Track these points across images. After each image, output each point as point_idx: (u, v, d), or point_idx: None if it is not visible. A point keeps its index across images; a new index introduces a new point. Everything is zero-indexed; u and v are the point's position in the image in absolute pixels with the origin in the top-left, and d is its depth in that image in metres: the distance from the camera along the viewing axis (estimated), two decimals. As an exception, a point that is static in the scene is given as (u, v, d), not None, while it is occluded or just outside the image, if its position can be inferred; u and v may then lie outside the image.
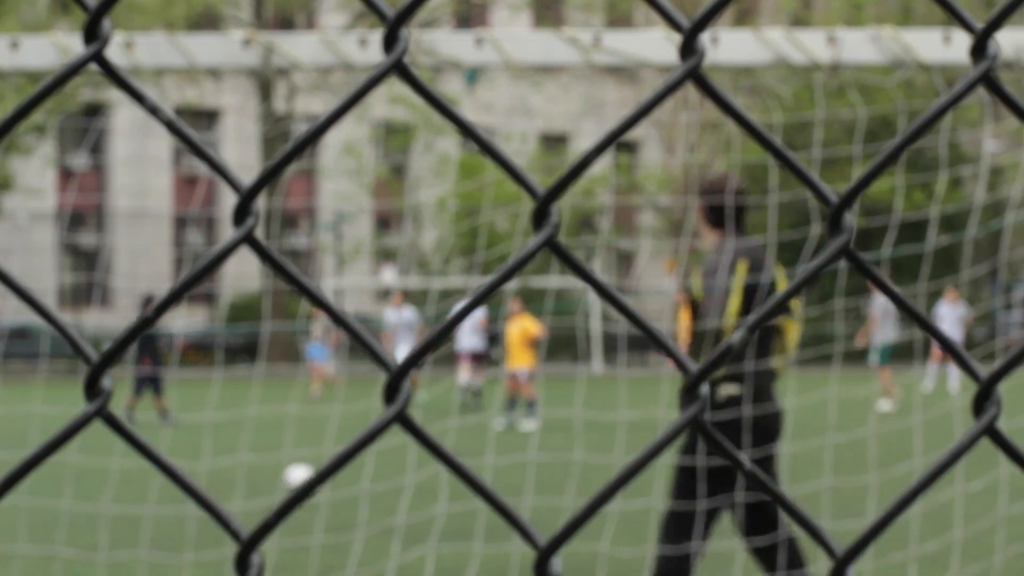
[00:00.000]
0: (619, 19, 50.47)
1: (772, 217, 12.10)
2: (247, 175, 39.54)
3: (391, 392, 1.20)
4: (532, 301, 31.94)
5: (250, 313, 50.41)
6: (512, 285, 26.72)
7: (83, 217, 55.24)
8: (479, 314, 26.13)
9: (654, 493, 10.68)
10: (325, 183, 54.79)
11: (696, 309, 7.03)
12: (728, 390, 6.87)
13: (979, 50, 1.25)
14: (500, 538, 10.19)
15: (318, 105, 49.01)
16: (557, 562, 1.22)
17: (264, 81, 47.38)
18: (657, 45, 7.79)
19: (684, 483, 6.96)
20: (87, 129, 52.96)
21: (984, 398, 1.27)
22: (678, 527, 6.94)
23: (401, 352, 26.26)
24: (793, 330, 7.21)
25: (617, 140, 1.23)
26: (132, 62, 7.66)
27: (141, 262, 53.42)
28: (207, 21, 44.91)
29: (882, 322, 26.27)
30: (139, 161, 54.68)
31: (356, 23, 46.46)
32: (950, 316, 28.63)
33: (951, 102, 1.24)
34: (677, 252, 44.55)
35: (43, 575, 9.54)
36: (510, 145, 52.32)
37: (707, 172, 40.61)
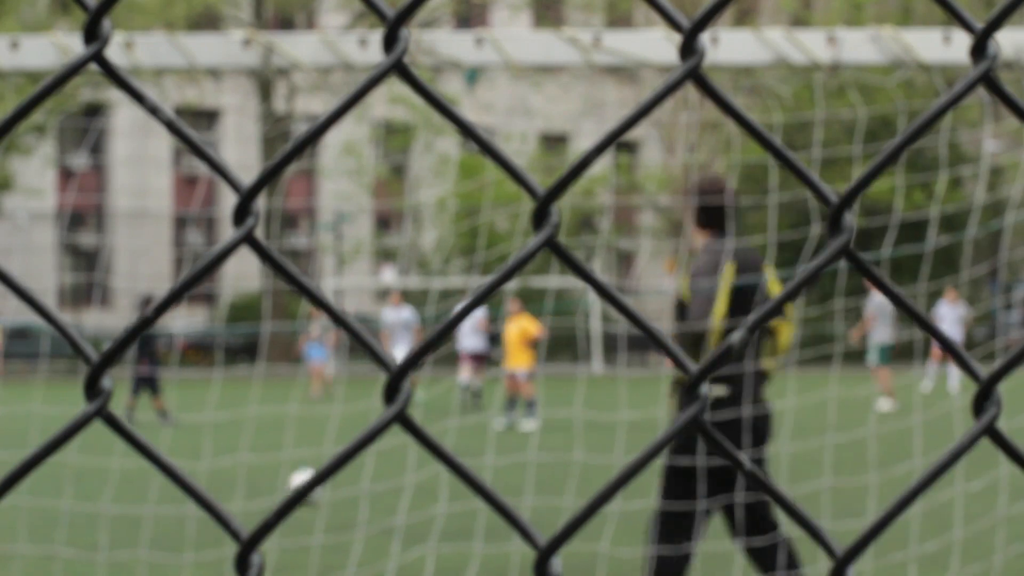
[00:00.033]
0: (619, 19, 50.48)
1: (772, 217, 12.10)
2: (247, 175, 39.52)
3: (391, 392, 1.20)
4: (532, 301, 31.95)
5: (250, 313, 50.41)
6: (512, 285, 26.72)
7: (83, 217, 55.24)
8: (480, 315, 26.10)
9: (654, 493, 10.67)
10: (325, 183, 54.79)
11: (683, 310, 6.98)
12: (715, 391, 6.83)
13: (979, 50, 1.25)
14: (500, 538, 10.19)
15: (318, 105, 49.02)
16: (557, 562, 1.22)
17: (264, 81, 47.38)
18: (657, 45, 7.79)
19: (673, 484, 6.96)
20: (87, 129, 52.96)
21: (984, 398, 1.27)
22: (667, 528, 6.93)
23: (398, 352, 26.25)
24: (785, 332, 7.16)
25: (617, 140, 1.23)
26: (132, 62, 7.66)
27: (141, 262, 53.42)
28: (207, 21, 44.92)
29: (878, 322, 26.23)
30: (139, 161, 54.68)
31: (356, 23, 46.46)
32: (950, 316, 28.63)
33: (951, 102, 1.24)
34: (677, 252, 44.58)
35: (43, 575, 9.54)
36: (510, 145, 52.32)
37: (707, 172, 40.57)
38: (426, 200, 51.69)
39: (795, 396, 15.93)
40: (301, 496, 1.18)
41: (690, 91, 38.08)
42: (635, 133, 51.81)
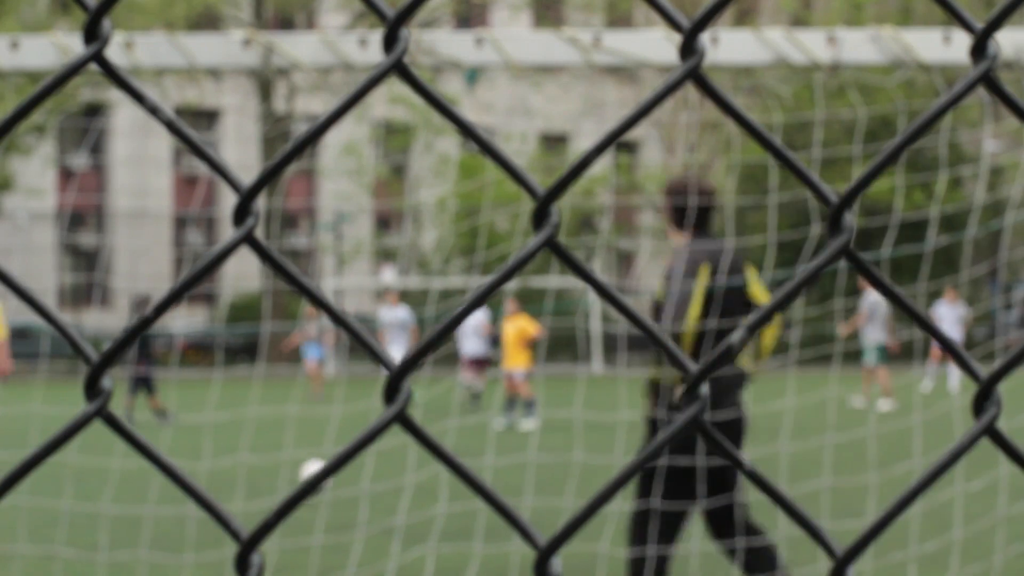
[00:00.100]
0: (619, 19, 50.47)
1: (772, 217, 12.11)
2: (247, 175, 39.55)
3: (391, 392, 1.20)
4: (532, 301, 31.95)
5: (250, 313, 50.40)
6: (511, 285, 26.71)
7: (83, 217, 55.24)
8: (481, 318, 26.02)
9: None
10: (325, 183, 54.80)
11: (658, 312, 6.94)
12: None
13: (979, 50, 1.25)
14: (500, 538, 10.19)
15: (318, 105, 49.01)
16: (557, 562, 1.22)
17: (264, 81, 47.38)
18: (657, 45, 7.79)
19: (649, 484, 6.96)
20: (87, 129, 52.97)
21: (984, 398, 1.27)
22: (646, 529, 6.94)
23: (394, 352, 26.22)
24: (769, 334, 7.10)
25: (617, 140, 1.23)
26: (132, 62, 7.66)
27: (141, 262, 53.43)
28: (207, 21, 44.92)
29: (871, 320, 26.17)
30: (139, 161, 54.68)
31: (356, 23, 46.46)
32: (949, 316, 28.63)
33: (951, 102, 1.24)
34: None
35: (43, 575, 9.54)
36: (510, 145, 52.32)
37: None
38: (426, 200, 51.69)
39: (795, 396, 15.94)
40: (301, 496, 1.18)
41: (690, 91, 38.09)
42: (635, 133, 51.81)
